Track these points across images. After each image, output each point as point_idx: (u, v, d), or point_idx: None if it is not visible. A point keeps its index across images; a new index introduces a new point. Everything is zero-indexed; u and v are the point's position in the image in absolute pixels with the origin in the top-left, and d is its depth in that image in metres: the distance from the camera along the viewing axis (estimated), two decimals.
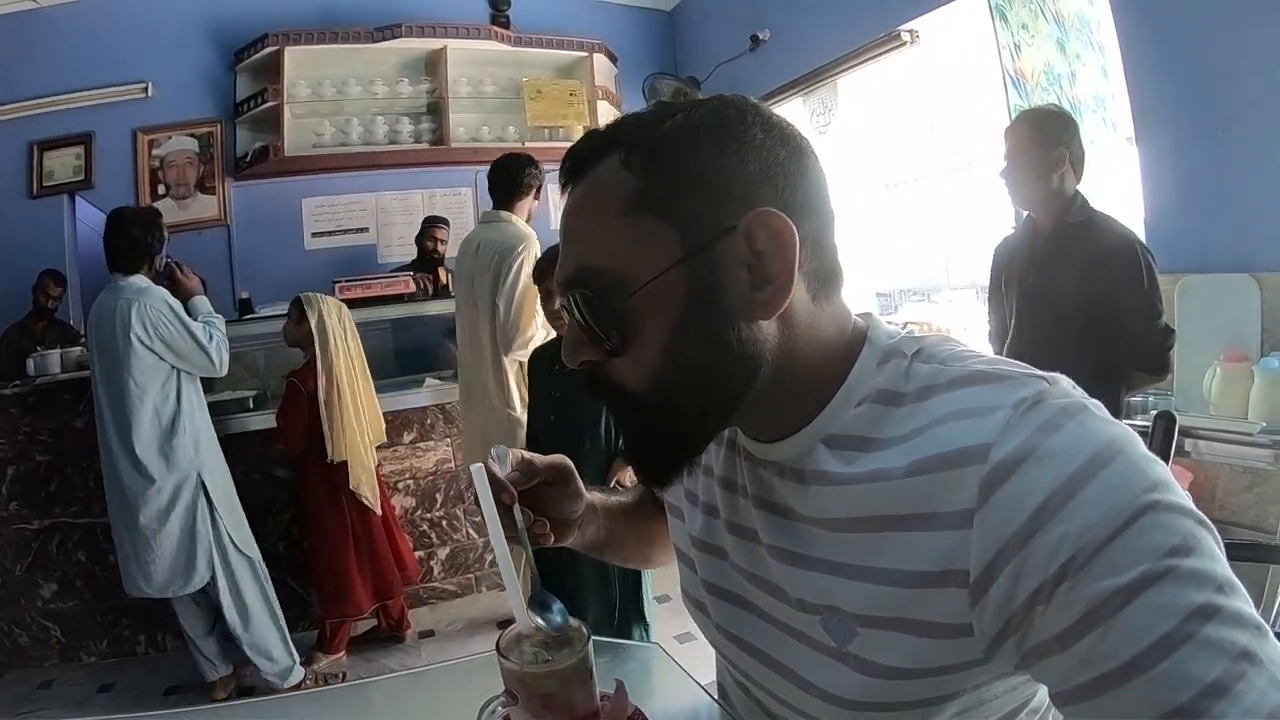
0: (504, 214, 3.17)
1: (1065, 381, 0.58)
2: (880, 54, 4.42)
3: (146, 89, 4.71)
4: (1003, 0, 2.72)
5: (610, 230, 0.61)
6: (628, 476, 2.41)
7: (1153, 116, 3.04)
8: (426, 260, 4.69)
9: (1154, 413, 2.07)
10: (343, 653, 3.22)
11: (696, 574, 0.80)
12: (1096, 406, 0.55)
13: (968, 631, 0.55)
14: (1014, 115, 2.89)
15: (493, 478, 0.74)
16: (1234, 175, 2.75)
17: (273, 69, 4.73)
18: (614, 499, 0.95)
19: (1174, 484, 0.50)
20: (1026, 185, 2.26)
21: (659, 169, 0.60)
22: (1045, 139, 2.21)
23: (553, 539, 0.82)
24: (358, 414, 3.13)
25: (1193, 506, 0.49)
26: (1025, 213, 2.42)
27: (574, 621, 0.74)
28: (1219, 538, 0.49)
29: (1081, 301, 2.15)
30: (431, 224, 4.79)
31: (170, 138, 4.79)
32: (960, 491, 0.54)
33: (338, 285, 3.84)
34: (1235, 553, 0.47)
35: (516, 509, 0.76)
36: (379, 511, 3.22)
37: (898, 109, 4.98)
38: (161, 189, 4.77)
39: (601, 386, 0.65)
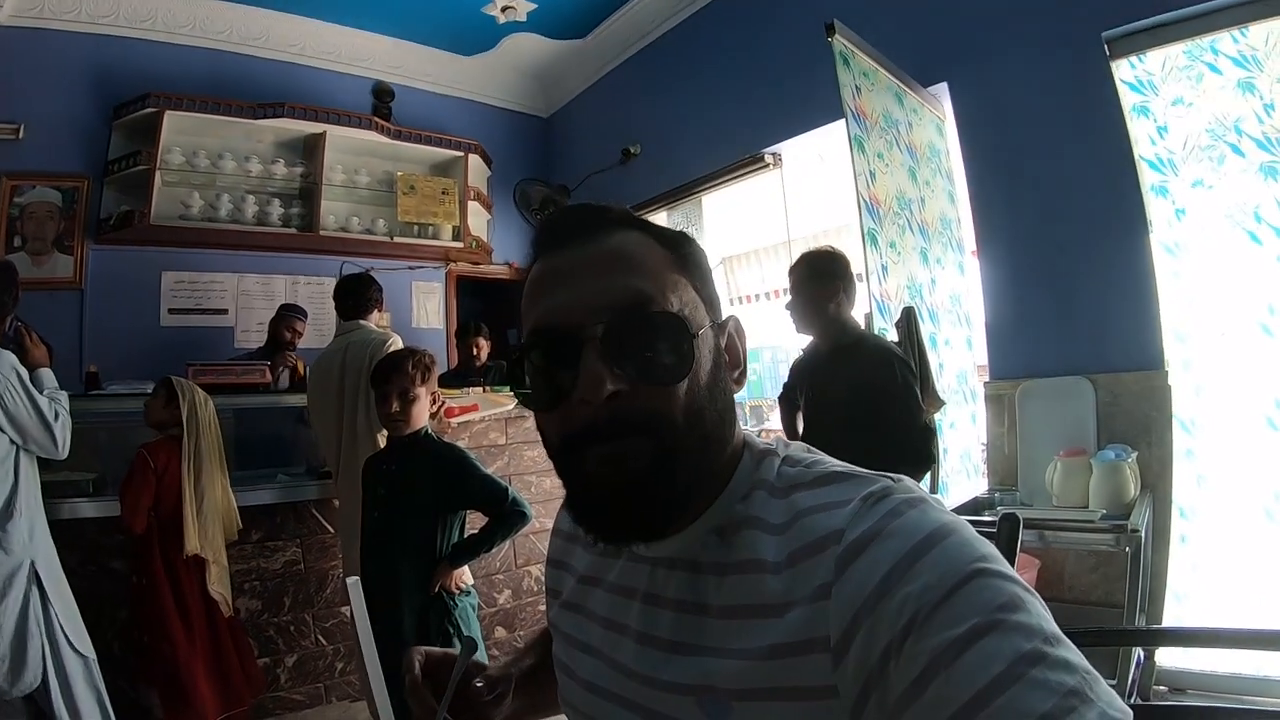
0: (361, 322, 3.43)
1: (909, 480, 0.66)
2: (744, 174, 4.74)
3: (19, 131, 4.38)
4: (861, 131, 2.99)
5: (667, 275, 0.71)
6: (454, 580, 2.46)
7: (994, 236, 3.44)
8: (280, 349, 4.50)
9: (1000, 511, 2.26)
10: None
11: (573, 679, 0.82)
12: (936, 500, 0.64)
13: (833, 694, 0.59)
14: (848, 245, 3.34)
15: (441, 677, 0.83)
16: (1067, 289, 3.13)
17: (150, 131, 4.52)
18: (524, 664, 0.97)
19: (1003, 560, 0.58)
20: (805, 314, 2.64)
21: (688, 257, 0.74)
22: (821, 277, 2.60)
23: None
24: (215, 508, 2.98)
25: (1019, 578, 0.57)
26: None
27: None
28: (1045, 605, 0.56)
29: (852, 409, 2.45)
30: (292, 314, 4.62)
31: (34, 186, 4.44)
32: (820, 570, 0.61)
33: (191, 368, 3.57)
34: (1083, 639, 0.54)
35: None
36: (231, 612, 3.00)
37: (759, 226, 5.33)
38: (18, 241, 4.39)
39: (631, 415, 0.66)
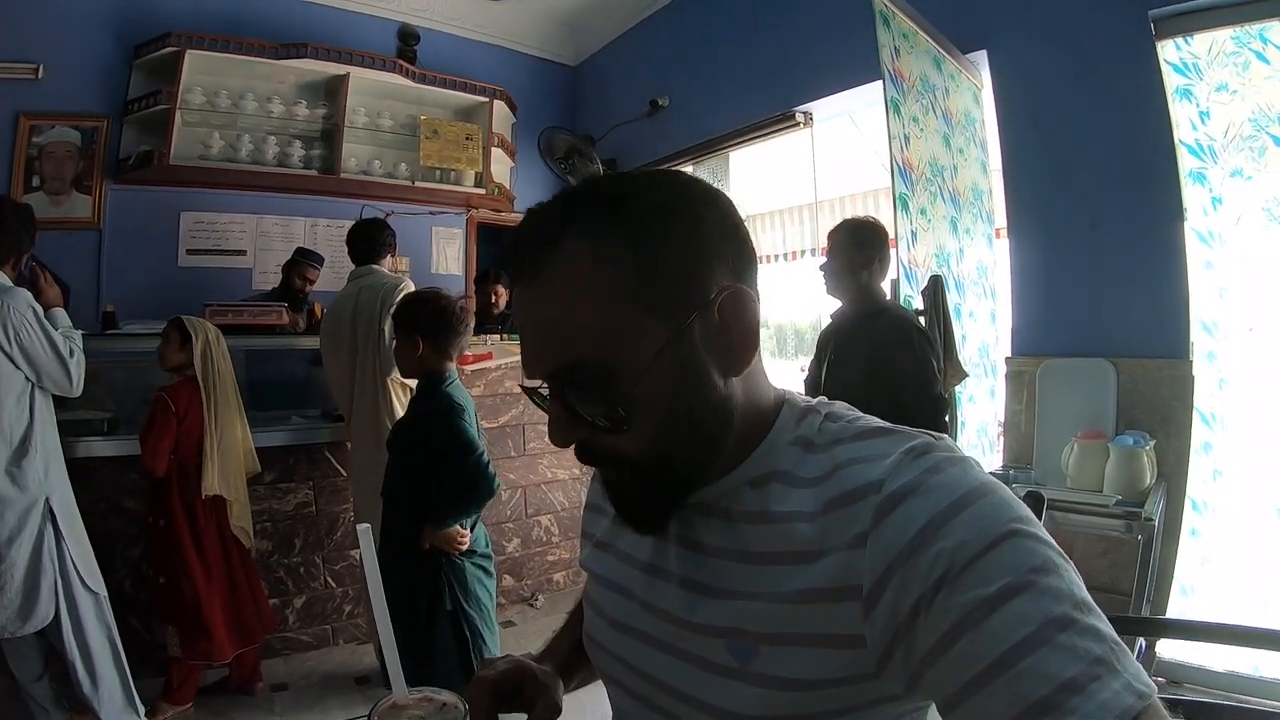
0: (374, 267, 3.47)
1: (949, 439, 0.66)
2: (774, 132, 4.65)
3: (38, 71, 4.32)
4: (897, 94, 2.91)
5: (594, 323, 0.63)
6: (444, 542, 2.35)
7: (1025, 210, 3.36)
8: (291, 294, 4.48)
9: (1014, 489, 2.24)
10: (189, 704, 2.94)
11: (601, 617, 0.83)
12: (975, 461, 0.63)
13: (861, 643, 0.60)
14: (877, 210, 3.60)
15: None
16: (1096, 269, 3.07)
17: (170, 70, 4.45)
18: (567, 641, 0.97)
19: (1038, 523, 0.57)
20: (839, 279, 2.72)
21: (633, 260, 0.63)
22: (860, 244, 2.65)
23: None
24: (234, 447, 3.01)
25: (1053, 542, 0.56)
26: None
27: (450, 697, 0.76)
28: (1078, 573, 0.55)
29: (864, 377, 2.50)
30: (306, 260, 4.58)
31: (54, 127, 4.40)
32: (858, 519, 0.61)
33: (208, 308, 3.60)
34: None
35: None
36: (251, 546, 3.08)
37: (785, 186, 5.23)
38: (36, 180, 4.36)
39: (596, 457, 0.69)
